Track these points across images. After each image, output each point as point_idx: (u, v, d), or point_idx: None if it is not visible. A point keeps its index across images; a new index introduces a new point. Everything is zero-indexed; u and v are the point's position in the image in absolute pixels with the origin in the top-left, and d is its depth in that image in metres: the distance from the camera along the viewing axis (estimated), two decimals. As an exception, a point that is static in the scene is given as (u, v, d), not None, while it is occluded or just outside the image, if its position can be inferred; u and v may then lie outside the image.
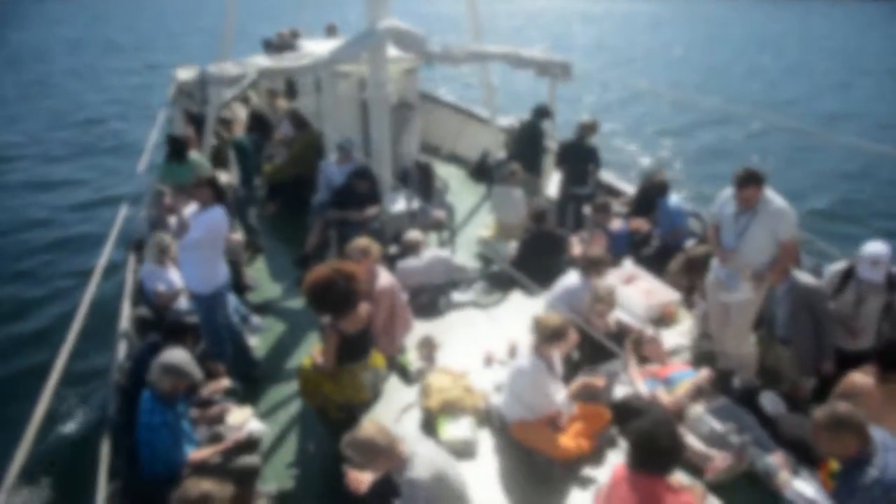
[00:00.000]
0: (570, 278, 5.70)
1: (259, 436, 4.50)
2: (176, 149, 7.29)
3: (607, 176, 8.81)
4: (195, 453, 4.06)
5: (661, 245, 7.14)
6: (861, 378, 3.98)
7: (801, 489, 3.38)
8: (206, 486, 3.04)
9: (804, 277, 4.84)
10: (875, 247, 4.72)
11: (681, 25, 42.82)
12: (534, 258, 6.80)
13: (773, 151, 16.88)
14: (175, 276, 6.06)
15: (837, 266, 5.11)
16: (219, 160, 8.85)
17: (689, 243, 6.95)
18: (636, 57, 32.37)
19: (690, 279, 6.19)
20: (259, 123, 10.10)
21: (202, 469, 3.94)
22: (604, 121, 8.57)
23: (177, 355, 4.08)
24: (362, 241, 5.37)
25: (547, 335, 4.41)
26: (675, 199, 7.27)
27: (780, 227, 4.63)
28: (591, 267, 5.61)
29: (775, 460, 4.17)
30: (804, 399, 4.89)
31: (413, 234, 6.75)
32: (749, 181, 4.59)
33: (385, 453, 3.45)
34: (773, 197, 4.66)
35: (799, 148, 17.29)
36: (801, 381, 4.94)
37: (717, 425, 4.44)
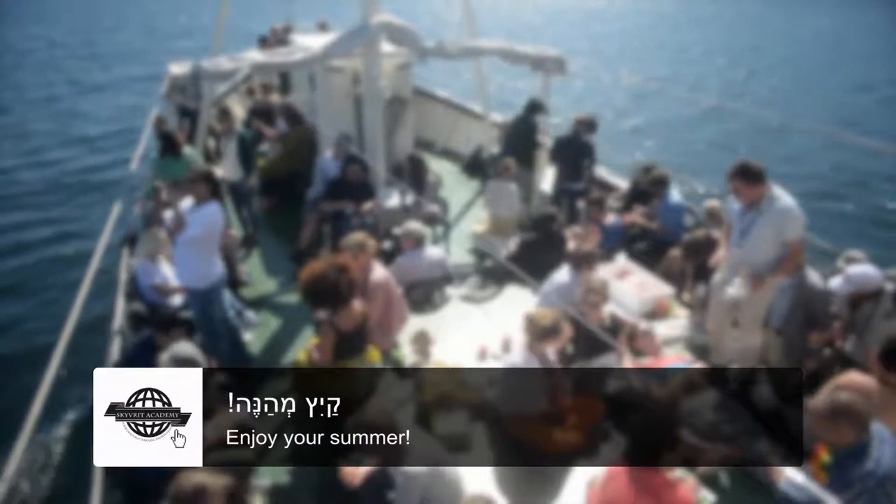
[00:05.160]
0: (561, 275, 5.69)
1: (250, 426, 4.47)
2: (170, 144, 7.28)
3: (601, 171, 8.83)
4: None
5: (655, 240, 7.17)
6: (860, 377, 3.93)
7: (793, 479, 3.40)
8: (201, 477, 3.04)
9: (814, 277, 4.84)
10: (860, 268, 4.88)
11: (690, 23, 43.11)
12: (534, 258, 6.80)
13: (774, 149, 16.88)
14: (168, 272, 6.06)
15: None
16: (210, 155, 8.84)
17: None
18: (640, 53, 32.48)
19: (693, 263, 6.18)
20: (259, 118, 10.09)
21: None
22: (598, 115, 8.56)
23: (186, 348, 4.12)
24: (358, 236, 5.36)
25: (539, 334, 4.42)
26: (675, 194, 7.30)
27: (785, 226, 4.52)
28: (582, 261, 5.62)
29: (767, 450, 4.21)
30: (794, 392, 4.92)
31: (415, 227, 6.64)
32: (735, 174, 4.54)
33: (388, 434, 3.48)
34: (780, 195, 4.54)
35: (798, 146, 17.32)
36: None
37: (711, 414, 4.47)
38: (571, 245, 6.98)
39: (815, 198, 13.34)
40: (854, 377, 3.87)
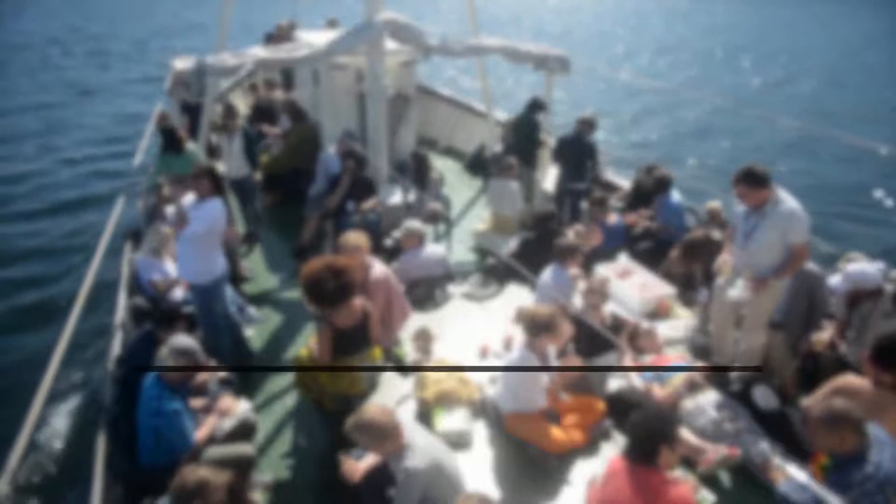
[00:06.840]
0: (545, 275, 5.66)
1: (251, 422, 4.50)
2: (172, 140, 7.28)
3: (603, 171, 8.83)
4: (199, 433, 4.13)
5: (657, 240, 7.16)
6: (856, 379, 3.90)
7: (793, 479, 3.40)
8: (203, 473, 3.06)
9: (810, 264, 4.87)
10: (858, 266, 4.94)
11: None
12: (534, 257, 6.79)
13: (773, 148, 16.82)
14: (170, 267, 6.07)
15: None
16: (213, 151, 8.85)
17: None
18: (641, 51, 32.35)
19: (691, 264, 6.17)
20: (262, 115, 10.09)
21: (197, 458, 3.97)
22: (601, 115, 8.55)
23: (185, 340, 4.15)
24: (351, 239, 5.34)
25: (533, 328, 4.42)
26: (676, 195, 7.29)
27: (789, 230, 4.50)
28: (565, 253, 5.60)
29: (768, 451, 4.22)
30: (792, 393, 4.93)
31: (415, 225, 6.66)
32: (740, 179, 4.55)
33: (390, 434, 3.49)
34: (785, 198, 4.53)
35: (802, 145, 17.25)
36: (790, 366, 4.98)
37: (711, 414, 4.48)
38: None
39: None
40: (849, 380, 3.88)
